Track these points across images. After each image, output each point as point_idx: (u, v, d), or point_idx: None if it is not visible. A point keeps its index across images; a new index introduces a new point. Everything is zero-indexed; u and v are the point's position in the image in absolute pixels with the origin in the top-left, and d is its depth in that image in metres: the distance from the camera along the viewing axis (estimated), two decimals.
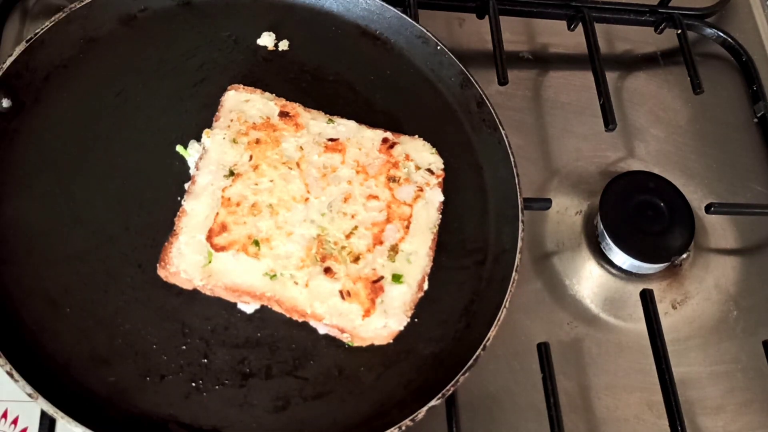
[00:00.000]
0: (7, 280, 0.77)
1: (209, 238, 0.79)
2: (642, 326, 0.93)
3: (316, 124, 0.88)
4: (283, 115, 0.88)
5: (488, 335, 0.77)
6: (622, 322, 0.96)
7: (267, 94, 0.90)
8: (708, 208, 1.02)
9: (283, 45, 0.97)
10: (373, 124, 0.90)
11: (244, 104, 0.88)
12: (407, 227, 0.83)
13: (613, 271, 0.99)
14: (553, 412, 0.84)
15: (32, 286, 0.77)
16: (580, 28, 1.14)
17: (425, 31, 0.96)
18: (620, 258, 0.98)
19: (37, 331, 0.75)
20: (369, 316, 0.77)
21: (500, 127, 0.91)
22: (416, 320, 0.80)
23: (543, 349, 0.88)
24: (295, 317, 0.78)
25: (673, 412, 0.87)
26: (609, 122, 1.04)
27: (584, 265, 0.99)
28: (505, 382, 0.89)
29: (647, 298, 0.94)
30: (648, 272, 0.99)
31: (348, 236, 0.81)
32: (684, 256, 1.01)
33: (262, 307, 0.79)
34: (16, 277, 0.77)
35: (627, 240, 0.97)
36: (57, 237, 0.80)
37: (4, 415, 0.80)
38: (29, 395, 0.69)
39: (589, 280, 0.98)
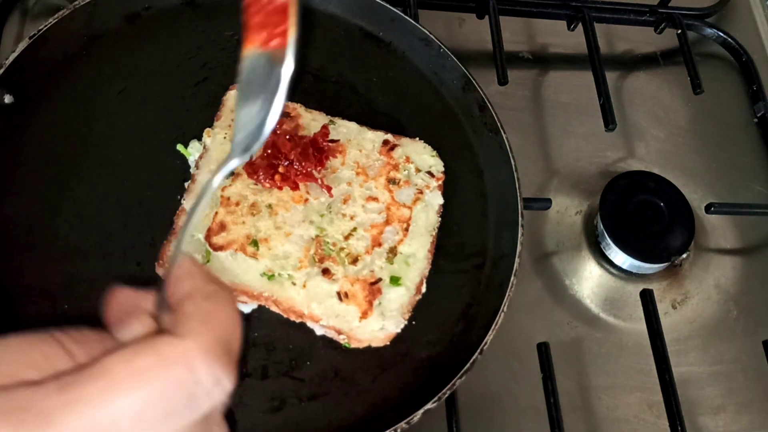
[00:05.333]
0: (5, 276, 0.74)
1: (208, 237, 0.75)
2: (642, 326, 0.89)
3: (317, 125, 0.84)
4: (284, 115, 0.84)
5: (486, 339, 0.74)
6: (622, 322, 0.92)
7: None
8: (708, 208, 0.98)
9: None
10: (374, 125, 0.86)
11: None
12: (406, 230, 0.79)
13: (613, 271, 0.95)
14: (553, 412, 0.81)
15: (30, 282, 0.74)
16: (580, 28, 1.10)
17: (428, 33, 0.92)
18: (620, 258, 0.94)
19: (34, 328, 0.71)
20: (366, 318, 0.73)
21: (502, 131, 0.87)
22: (413, 323, 0.77)
23: (543, 349, 0.85)
24: (293, 318, 0.74)
25: (673, 412, 0.83)
26: (609, 122, 1.00)
27: (584, 265, 0.95)
28: (505, 382, 0.86)
29: (647, 298, 0.90)
30: (648, 272, 0.95)
31: (347, 238, 0.77)
32: (684, 256, 0.97)
33: (260, 307, 0.75)
34: (15, 273, 0.74)
35: (627, 240, 0.93)
36: (56, 233, 0.77)
37: None
38: None
39: (589, 280, 0.94)
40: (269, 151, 0.78)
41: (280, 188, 0.78)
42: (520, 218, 0.82)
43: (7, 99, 0.81)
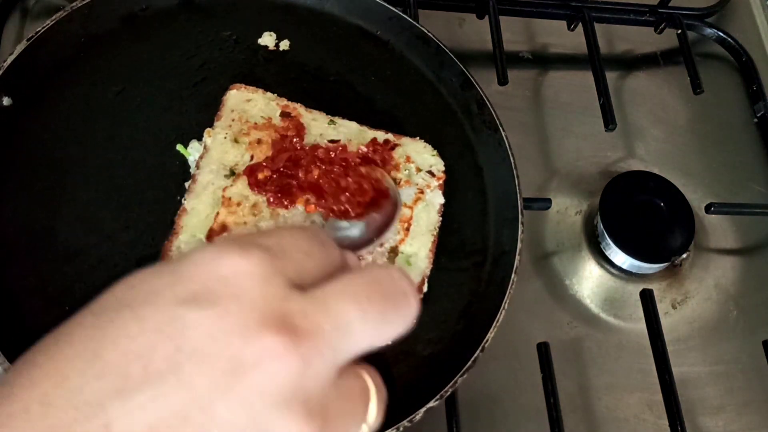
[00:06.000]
0: (6, 278, 0.73)
1: (209, 237, 0.75)
2: (642, 326, 0.89)
3: (318, 125, 0.84)
4: (285, 115, 0.84)
5: (487, 337, 0.74)
6: (622, 322, 0.93)
7: (268, 94, 0.86)
8: (708, 208, 0.98)
9: (284, 45, 0.93)
10: (374, 125, 0.86)
11: (245, 104, 0.85)
12: (407, 229, 0.79)
13: (613, 271, 0.95)
14: (553, 412, 0.81)
15: (31, 284, 0.74)
16: (580, 28, 1.10)
17: (426, 32, 0.92)
18: (620, 258, 0.94)
19: (35, 330, 0.69)
20: None
21: (501, 129, 0.87)
22: (414, 321, 0.76)
23: (543, 349, 0.85)
24: None
25: (673, 412, 0.83)
26: (609, 122, 1.00)
27: (584, 265, 0.96)
28: (505, 382, 0.86)
29: (647, 298, 0.90)
30: (648, 272, 0.95)
31: None
32: (684, 256, 0.97)
33: None
34: (15, 275, 0.74)
35: (627, 240, 0.93)
36: (56, 235, 0.77)
37: None
38: None
39: (589, 280, 0.95)
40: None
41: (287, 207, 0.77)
42: (520, 215, 0.82)
43: (6, 101, 0.81)
